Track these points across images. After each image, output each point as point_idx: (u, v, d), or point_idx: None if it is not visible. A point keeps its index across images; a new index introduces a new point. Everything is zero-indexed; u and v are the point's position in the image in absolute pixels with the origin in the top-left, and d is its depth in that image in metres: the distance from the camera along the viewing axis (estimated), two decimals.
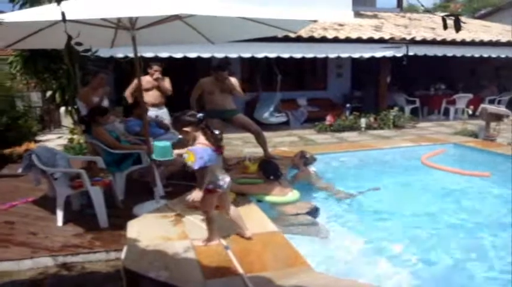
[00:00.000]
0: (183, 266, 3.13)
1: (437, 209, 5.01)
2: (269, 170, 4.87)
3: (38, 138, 9.51)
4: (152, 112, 6.81)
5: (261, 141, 6.58)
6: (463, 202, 5.25)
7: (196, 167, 3.22)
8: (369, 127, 11.30)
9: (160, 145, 3.66)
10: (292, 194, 4.78)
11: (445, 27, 1.80)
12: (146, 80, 6.85)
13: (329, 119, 11.24)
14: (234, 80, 6.41)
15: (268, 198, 4.70)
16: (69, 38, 1.78)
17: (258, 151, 6.81)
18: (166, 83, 7.15)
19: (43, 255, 3.93)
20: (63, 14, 1.80)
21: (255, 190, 4.80)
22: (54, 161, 4.81)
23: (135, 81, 6.93)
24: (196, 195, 3.36)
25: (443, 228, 4.49)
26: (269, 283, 2.85)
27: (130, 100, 7.07)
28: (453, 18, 1.76)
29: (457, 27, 1.73)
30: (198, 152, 3.23)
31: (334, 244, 4.01)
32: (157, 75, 6.98)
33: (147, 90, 6.82)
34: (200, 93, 6.34)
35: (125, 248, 3.67)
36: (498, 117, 8.47)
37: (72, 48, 1.80)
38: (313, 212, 4.56)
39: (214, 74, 6.24)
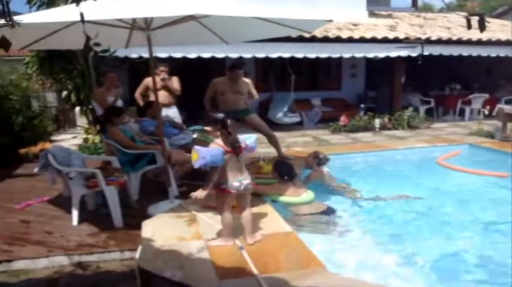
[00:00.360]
0: (198, 266, 3.12)
1: (455, 209, 4.95)
2: (283, 170, 4.86)
3: (53, 138, 9.61)
4: (162, 112, 6.83)
5: (273, 142, 6.57)
6: (481, 203, 5.16)
7: (196, 166, 3.32)
8: (383, 128, 11.20)
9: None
10: (307, 195, 4.76)
11: (469, 26, 1.76)
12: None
13: (343, 119, 11.17)
14: (248, 81, 6.40)
15: (283, 198, 4.68)
16: (88, 38, 1.78)
17: (272, 151, 6.78)
18: (175, 83, 7.18)
19: (58, 254, 3.96)
20: (81, 15, 1.80)
21: (269, 190, 4.79)
22: (69, 160, 4.85)
23: (144, 82, 7.01)
24: (199, 193, 3.44)
25: (461, 228, 4.42)
26: (284, 284, 2.83)
27: (140, 101, 7.12)
28: (477, 17, 1.71)
29: (482, 27, 1.69)
30: (201, 152, 3.29)
31: (348, 244, 3.98)
32: (163, 75, 7.01)
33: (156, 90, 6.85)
34: (213, 93, 6.35)
35: (139, 248, 3.68)
36: None
37: (91, 48, 1.79)
38: (328, 212, 4.53)
39: (229, 73, 6.24)
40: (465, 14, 1.84)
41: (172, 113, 7.21)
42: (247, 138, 3.66)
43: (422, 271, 3.53)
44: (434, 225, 4.50)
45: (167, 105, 7.12)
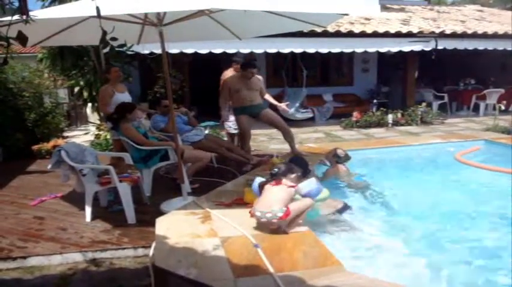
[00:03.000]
0: (213, 264, 3.08)
1: (475, 207, 4.85)
2: (300, 166, 4.76)
3: (65, 134, 9.65)
4: None
5: (289, 139, 6.53)
6: (500, 201, 5.06)
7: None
8: (396, 123, 11.09)
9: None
10: (322, 193, 4.68)
11: None
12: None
13: (355, 115, 11.08)
14: (260, 78, 6.35)
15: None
16: (104, 33, 1.73)
17: (285, 148, 6.74)
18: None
19: (72, 251, 3.95)
20: (98, 9, 1.76)
21: None
22: (82, 157, 4.84)
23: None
24: None
25: (482, 227, 4.33)
26: (301, 283, 2.77)
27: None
28: None
29: None
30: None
31: (364, 242, 3.92)
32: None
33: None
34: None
35: (153, 245, 3.65)
36: None
37: (108, 43, 1.75)
38: (344, 209, 4.47)
39: (243, 71, 6.21)
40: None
41: None
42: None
43: (444, 271, 3.46)
44: (455, 222, 4.41)
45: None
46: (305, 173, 4.70)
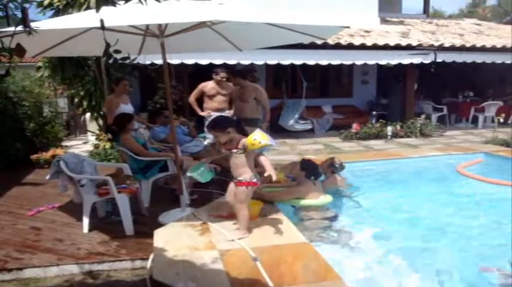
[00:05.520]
0: (211, 278, 3.05)
1: (473, 220, 4.84)
2: (311, 169, 4.76)
3: (64, 144, 9.62)
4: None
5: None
6: (498, 213, 5.05)
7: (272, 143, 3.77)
8: (395, 135, 11.09)
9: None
10: (325, 198, 4.69)
11: None
12: (210, 87, 7.02)
13: (355, 126, 11.08)
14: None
15: (304, 201, 4.61)
16: (108, 45, 1.73)
17: (284, 159, 6.72)
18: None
19: (69, 262, 3.90)
20: (102, 22, 1.75)
21: (288, 195, 4.72)
22: (81, 167, 4.81)
23: (199, 87, 7.04)
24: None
25: (478, 237, 4.32)
26: None
27: (196, 108, 7.11)
28: None
29: None
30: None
31: (357, 252, 3.90)
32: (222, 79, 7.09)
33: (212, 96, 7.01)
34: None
35: (151, 257, 3.62)
36: None
37: (111, 55, 1.74)
38: (333, 218, 4.49)
39: (233, 79, 6.34)
40: None
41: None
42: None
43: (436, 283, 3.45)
44: (451, 234, 4.40)
45: (221, 110, 7.03)
46: (317, 176, 4.71)
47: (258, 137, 3.71)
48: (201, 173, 3.84)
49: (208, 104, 7.07)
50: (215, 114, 6.77)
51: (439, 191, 5.95)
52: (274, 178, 3.78)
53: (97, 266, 3.90)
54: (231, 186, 3.91)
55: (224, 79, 6.97)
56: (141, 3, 1.82)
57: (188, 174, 3.86)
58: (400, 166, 7.24)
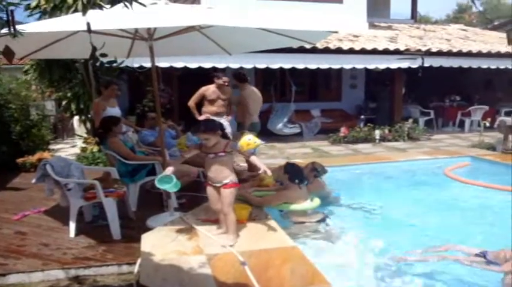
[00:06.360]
0: (199, 282, 3.04)
1: (457, 221, 4.90)
2: (296, 173, 4.73)
3: (51, 147, 9.52)
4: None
5: None
6: (483, 215, 5.12)
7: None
8: (383, 139, 11.16)
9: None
10: (313, 202, 4.69)
11: (510, 41, 1.67)
12: (211, 91, 6.93)
13: (343, 130, 11.12)
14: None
15: (293, 206, 4.59)
16: (94, 49, 1.71)
17: (273, 163, 6.71)
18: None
19: (54, 267, 3.85)
20: (88, 25, 1.73)
21: (277, 200, 4.71)
22: (68, 171, 4.76)
23: (200, 91, 6.96)
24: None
25: (462, 239, 4.35)
26: None
27: (195, 112, 7.02)
28: None
29: None
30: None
31: (345, 256, 3.92)
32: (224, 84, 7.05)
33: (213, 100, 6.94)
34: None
35: (138, 262, 3.60)
36: None
37: (97, 59, 1.73)
38: (323, 221, 4.48)
39: (241, 84, 6.35)
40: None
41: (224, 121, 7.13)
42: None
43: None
44: (437, 237, 4.43)
45: (220, 115, 6.92)
46: (301, 180, 4.69)
47: (252, 137, 3.75)
48: (175, 185, 3.77)
49: (207, 108, 6.98)
50: (214, 119, 6.74)
51: (426, 194, 6.00)
52: (269, 173, 3.87)
53: (83, 271, 3.86)
54: (213, 192, 3.87)
55: (226, 83, 6.93)
56: (127, 7, 1.80)
57: (158, 185, 3.77)
58: (388, 170, 7.28)
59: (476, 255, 3.74)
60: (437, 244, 4.14)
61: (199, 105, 7.11)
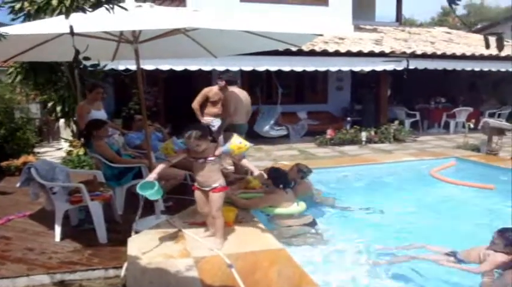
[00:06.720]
0: (186, 286, 3.03)
1: (441, 220, 4.96)
2: (280, 177, 4.72)
3: (36, 150, 9.42)
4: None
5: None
6: (465, 213, 5.20)
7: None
8: (369, 141, 11.24)
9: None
10: (299, 206, 4.68)
11: (488, 46, 1.71)
12: (214, 92, 6.92)
13: (329, 132, 11.18)
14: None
15: (277, 210, 4.59)
16: (77, 52, 1.71)
17: (259, 165, 6.72)
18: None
19: (39, 272, 3.81)
20: (71, 28, 1.72)
21: (262, 203, 4.71)
22: (53, 174, 4.72)
23: (203, 92, 6.92)
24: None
25: (444, 238, 4.41)
26: None
27: (199, 113, 6.98)
28: (496, 37, 1.67)
29: (500, 46, 1.64)
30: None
31: (333, 257, 3.94)
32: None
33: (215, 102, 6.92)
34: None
35: (124, 266, 3.58)
36: (500, 131, 8.43)
37: (80, 62, 1.72)
38: (311, 224, 4.49)
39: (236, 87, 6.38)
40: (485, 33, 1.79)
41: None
42: None
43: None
44: (424, 236, 4.47)
45: (219, 116, 6.90)
46: (286, 185, 4.68)
47: (242, 141, 3.75)
48: (157, 191, 3.72)
49: (209, 109, 6.96)
50: (216, 120, 6.74)
51: (413, 195, 6.07)
52: (264, 175, 3.95)
53: (69, 275, 3.83)
54: (201, 196, 3.86)
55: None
56: (108, 11, 1.80)
57: (138, 191, 3.72)
58: (374, 171, 7.33)
59: (446, 254, 3.79)
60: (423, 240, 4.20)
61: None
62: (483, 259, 3.52)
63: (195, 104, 7.03)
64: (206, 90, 7.00)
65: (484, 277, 3.44)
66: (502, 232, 3.51)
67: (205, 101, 7.03)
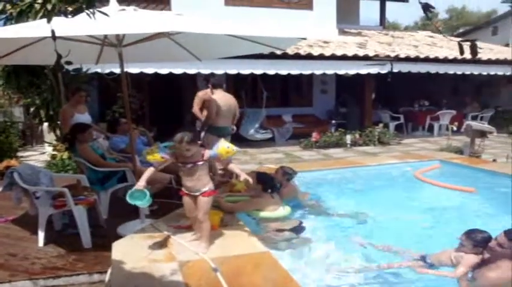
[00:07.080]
0: None
1: (424, 222, 5.00)
2: (268, 181, 4.74)
3: (20, 154, 9.31)
4: None
5: None
6: (447, 216, 5.25)
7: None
8: (354, 144, 11.33)
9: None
10: (284, 210, 4.70)
11: (462, 52, 1.76)
12: (208, 95, 6.81)
13: (314, 135, 11.25)
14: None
15: (263, 214, 4.60)
16: (59, 56, 1.70)
17: (245, 168, 6.73)
18: None
19: (22, 278, 3.77)
20: (53, 32, 1.72)
21: (248, 207, 4.71)
22: (36, 178, 4.67)
23: (199, 95, 6.84)
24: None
25: (427, 240, 4.45)
26: None
27: (199, 116, 6.91)
28: (470, 43, 1.71)
29: (474, 52, 1.68)
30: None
31: (319, 261, 3.95)
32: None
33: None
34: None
35: (109, 271, 3.56)
36: (483, 134, 8.55)
37: (62, 67, 1.72)
38: (298, 228, 4.50)
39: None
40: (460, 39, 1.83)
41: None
42: None
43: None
44: (411, 239, 4.51)
45: None
46: (274, 188, 4.69)
47: (230, 145, 3.76)
48: (148, 200, 3.73)
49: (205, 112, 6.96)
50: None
51: (398, 196, 6.12)
52: (250, 180, 3.94)
53: (52, 281, 3.80)
54: (190, 201, 3.85)
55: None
56: (89, 17, 1.80)
57: (129, 200, 3.71)
58: (359, 174, 7.38)
59: (416, 260, 3.81)
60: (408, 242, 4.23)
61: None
62: (456, 262, 3.55)
63: (195, 108, 7.01)
64: (202, 94, 6.98)
65: (460, 281, 3.47)
66: (469, 234, 3.56)
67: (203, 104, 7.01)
